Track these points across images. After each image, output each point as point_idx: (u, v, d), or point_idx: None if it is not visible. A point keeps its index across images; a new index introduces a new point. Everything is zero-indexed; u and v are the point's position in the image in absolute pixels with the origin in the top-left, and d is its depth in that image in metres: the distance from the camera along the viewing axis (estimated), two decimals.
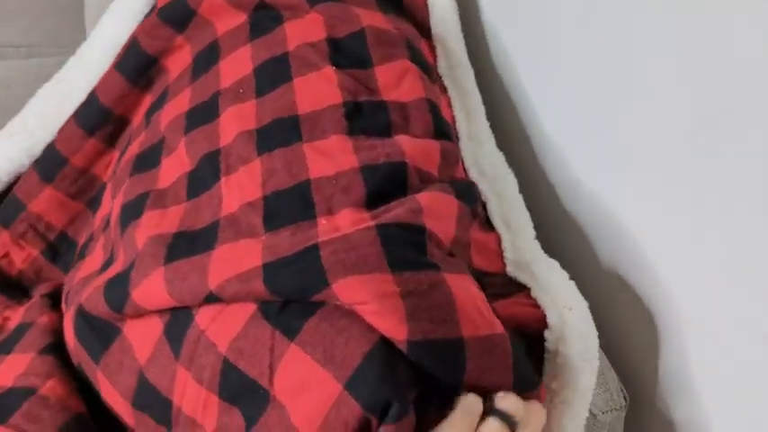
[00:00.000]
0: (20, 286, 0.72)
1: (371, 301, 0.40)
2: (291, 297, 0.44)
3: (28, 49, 1.13)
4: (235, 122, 0.54)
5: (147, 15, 0.76)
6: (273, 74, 0.56)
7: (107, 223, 0.63)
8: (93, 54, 0.84)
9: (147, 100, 0.69)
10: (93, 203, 0.73)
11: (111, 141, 0.72)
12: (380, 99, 0.54)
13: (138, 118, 0.70)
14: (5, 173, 0.81)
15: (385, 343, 0.40)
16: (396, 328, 0.39)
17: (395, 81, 0.55)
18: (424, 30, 0.65)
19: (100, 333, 0.53)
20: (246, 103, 0.55)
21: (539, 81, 0.65)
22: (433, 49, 0.65)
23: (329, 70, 0.54)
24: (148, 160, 0.60)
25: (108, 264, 0.57)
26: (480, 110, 0.64)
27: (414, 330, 0.39)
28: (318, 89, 0.53)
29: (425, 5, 0.66)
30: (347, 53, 0.56)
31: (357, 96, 0.54)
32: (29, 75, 1.09)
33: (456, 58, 0.64)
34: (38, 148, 0.82)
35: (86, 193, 0.73)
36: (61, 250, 0.73)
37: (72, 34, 1.16)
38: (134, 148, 0.64)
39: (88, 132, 0.71)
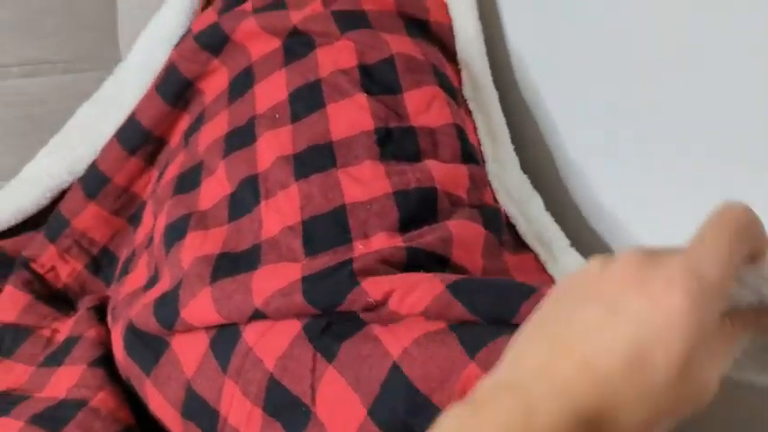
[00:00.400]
0: (66, 299, 0.75)
1: (399, 288, 0.45)
2: (327, 307, 0.48)
3: (64, 65, 1.17)
4: (272, 148, 0.57)
5: (182, 38, 0.80)
6: (307, 100, 0.59)
7: (150, 241, 0.66)
8: (130, 75, 0.87)
9: (185, 121, 0.73)
10: (134, 220, 0.77)
11: (151, 160, 0.75)
12: (410, 125, 0.57)
13: (175, 138, 0.73)
14: (48, 189, 0.85)
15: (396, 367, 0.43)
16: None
17: (424, 107, 0.58)
18: (450, 53, 0.68)
19: (150, 347, 0.56)
20: (282, 128, 0.59)
21: (563, 103, 0.67)
22: (458, 72, 0.67)
23: (361, 97, 0.57)
24: (189, 181, 0.64)
25: (153, 281, 0.60)
26: (505, 133, 0.67)
27: None
28: (351, 116, 0.56)
29: (451, 29, 0.68)
30: (378, 80, 0.59)
31: (388, 123, 0.56)
32: (65, 91, 1.13)
33: (481, 82, 0.67)
34: (79, 164, 0.86)
35: (127, 209, 0.77)
36: (103, 264, 0.77)
37: (107, 50, 1.20)
38: (174, 169, 0.67)
39: (130, 152, 0.75)
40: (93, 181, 0.76)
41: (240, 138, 0.61)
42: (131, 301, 0.61)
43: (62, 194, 0.86)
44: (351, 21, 0.63)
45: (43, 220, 0.87)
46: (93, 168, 0.76)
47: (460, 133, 0.58)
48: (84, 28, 1.22)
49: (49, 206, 0.85)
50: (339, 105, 0.57)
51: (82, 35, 1.21)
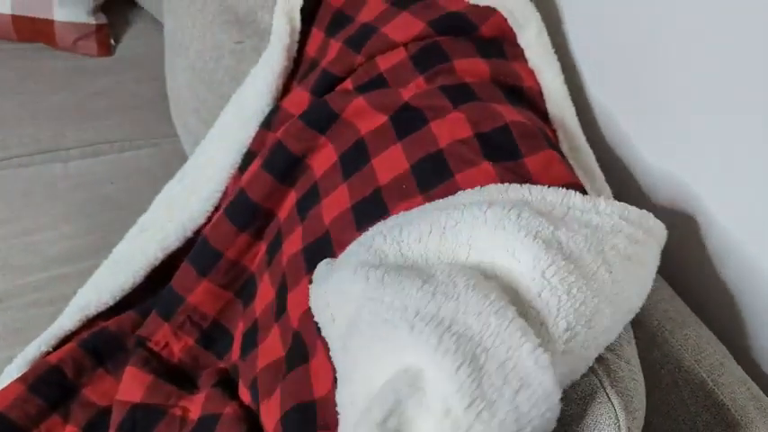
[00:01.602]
0: (183, 375, 0.77)
1: None
2: None
3: (120, 144, 1.21)
4: None
5: (274, 115, 0.84)
6: (433, 171, 0.63)
7: (279, 312, 0.69)
8: (216, 152, 0.91)
9: (292, 195, 0.76)
10: (242, 293, 0.80)
11: (259, 234, 0.79)
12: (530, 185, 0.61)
13: (284, 212, 0.77)
14: (142, 267, 0.88)
15: None
16: None
17: (544, 170, 0.62)
18: (543, 116, 0.73)
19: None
20: (414, 199, 0.63)
21: (654, 160, 0.71)
22: (554, 133, 0.73)
23: (487, 165, 0.62)
24: (320, 253, 0.67)
25: (300, 353, 0.62)
26: (607, 190, 0.71)
27: None
28: (480, 183, 0.61)
29: (541, 94, 0.74)
30: (497, 147, 0.63)
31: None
32: (127, 169, 1.17)
33: (576, 141, 0.72)
34: (169, 240, 0.89)
35: (236, 282, 0.80)
36: (215, 337, 0.79)
37: (159, 126, 1.25)
38: (295, 242, 0.71)
39: (240, 228, 0.78)
40: (204, 257, 0.78)
41: (370, 209, 0.64)
42: (278, 375, 0.63)
43: (152, 271, 0.89)
44: (458, 94, 0.68)
45: (134, 297, 0.89)
46: (204, 245, 0.79)
47: (583, 191, 0.63)
48: (135, 106, 1.27)
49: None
50: (467, 174, 0.61)
51: (134, 114, 1.26)
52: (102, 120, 1.23)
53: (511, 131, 0.64)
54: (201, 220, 0.89)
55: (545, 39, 0.74)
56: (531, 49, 0.74)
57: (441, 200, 0.59)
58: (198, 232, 0.90)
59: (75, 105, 1.24)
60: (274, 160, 0.76)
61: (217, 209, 0.89)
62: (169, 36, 1.19)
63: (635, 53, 0.70)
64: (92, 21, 1.36)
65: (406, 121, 0.68)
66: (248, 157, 0.86)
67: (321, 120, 0.74)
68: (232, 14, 1.01)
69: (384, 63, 0.75)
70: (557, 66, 0.73)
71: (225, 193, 0.89)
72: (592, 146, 0.72)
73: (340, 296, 0.53)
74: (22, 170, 1.13)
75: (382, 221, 0.60)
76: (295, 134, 0.75)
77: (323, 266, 0.61)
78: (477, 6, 0.75)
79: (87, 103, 1.25)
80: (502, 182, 0.60)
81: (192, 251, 0.80)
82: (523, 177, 0.61)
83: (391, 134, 0.69)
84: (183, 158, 1.19)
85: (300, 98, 0.81)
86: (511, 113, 0.66)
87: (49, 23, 1.33)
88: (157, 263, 0.89)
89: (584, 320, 0.47)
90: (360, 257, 0.54)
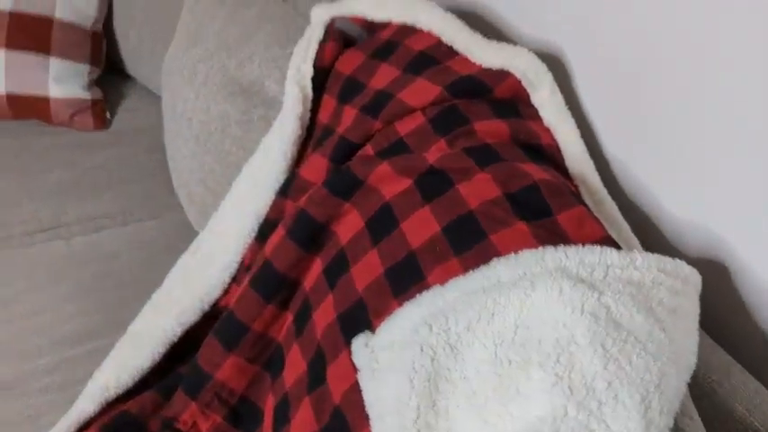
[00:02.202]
0: None
1: None
2: None
3: (122, 217, 1.20)
4: (445, 280, 0.61)
5: (287, 182, 0.84)
6: (466, 232, 0.64)
7: (312, 385, 0.67)
8: (231, 222, 0.91)
9: (318, 263, 0.76)
10: (270, 365, 0.78)
11: (285, 304, 0.77)
12: (572, 244, 0.61)
13: (310, 280, 0.76)
14: (161, 343, 0.86)
15: None
16: None
17: (577, 226, 0.63)
18: (563, 172, 0.74)
19: None
20: (450, 261, 0.63)
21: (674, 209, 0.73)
22: (576, 188, 0.74)
23: (521, 225, 0.62)
24: (356, 323, 0.66)
25: (340, 430, 0.61)
26: (635, 241, 0.72)
27: None
28: (517, 242, 0.61)
29: (559, 150, 0.75)
30: (527, 206, 0.64)
31: (553, 245, 0.61)
32: (131, 241, 1.15)
33: (599, 195, 0.73)
34: (187, 314, 0.88)
35: (263, 355, 0.78)
36: (242, 414, 0.77)
37: (160, 197, 1.24)
38: (327, 312, 0.70)
39: (266, 299, 0.77)
40: (231, 331, 0.77)
41: (406, 273, 0.64)
42: None
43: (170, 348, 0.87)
44: (482, 155, 0.69)
45: (150, 375, 0.87)
46: (230, 318, 0.77)
47: (618, 246, 0.63)
48: (134, 180, 1.27)
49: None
50: (502, 234, 0.62)
51: (134, 186, 1.25)
52: (102, 194, 1.22)
53: (539, 190, 0.65)
54: (218, 293, 0.88)
55: (558, 97, 0.76)
56: (546, 107, 0.76)
57: (478, 274, 0.58)
58: (214, 305, 0.89)
59: (73, 181, 1.23)
60: (299, 229, 0.76)
61: (233, 280, 0.88)
62: (169, 109, 1.20)
63: (650, 103, 0.72)
64: (87, 96, 1.36)
65: (432, 183, 0.69)
66: (265, 226, 0.86)
67: (345, 186, 0.74)
68: (237, 86, 1.03)
69: (403, 128, 0.76)
70: (572, 122, 0.75)
71: (241, 264, 0.88)
72: (612, 198, 0.73)
73: (396, 403, 0.53)
74: (23, 250, 1.10)
75: (419, 300, 0.59)
76: (319, 201, 0.75)
77: (362, 348, 0.60)
78: (490, 69, 0.77)
79: (86, 177, 1.24)
80: (537, 241, 0.61)
81: (218, 325, 0.78)
82: (558, 235, 0.62)
83: (418, 197, 0.69)
84: (186, 228, 1.18)
85: (318, 165, 0.82)
86: (536, 172, 0.67)
87: (45, 100, 1.33)
88: (176, 339, 0.87)
89: (653, 386, 0.47)
90: (410, 355, 0.54)
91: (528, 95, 0.77)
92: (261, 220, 0.86)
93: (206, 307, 0.88)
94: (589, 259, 0.56)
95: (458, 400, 0.52)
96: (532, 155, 0.72)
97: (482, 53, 0.78)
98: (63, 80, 1.34)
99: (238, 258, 0.88)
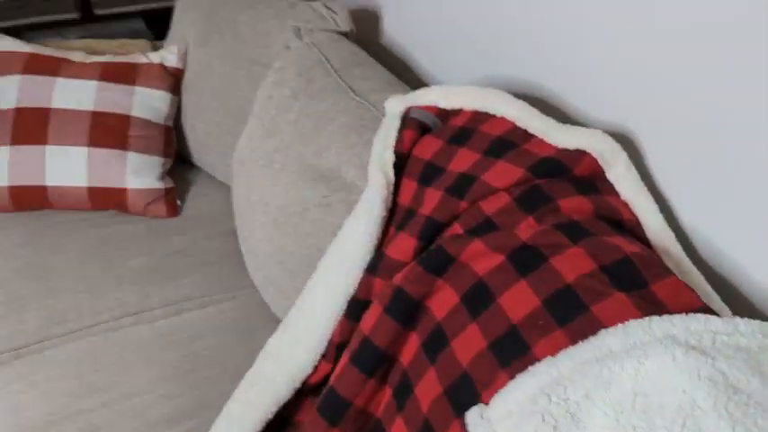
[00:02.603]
0: None
1: None
2: None
3: (202, 300, 1.25)
4: (552, 352, 0.65)
5: (375, 261, 0.89)
6: (566, 305, 0.68)
7: None
8: (318, 301, 0.96)
9: (414, 338, 0.80)
10: None
11: (384, 379, 0.81)
12: (670, 314, 0.65)
13: (407, 355, 0.80)
14: (256, 422, 0.90)
15: None
16: None
17: (673, 295, 0.67)
18: (646, 244, 0.79)
19: None
20: (555, 333, 0.66)
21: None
22: (660, 260, 0.78)
23: (620, 295, 0.66)
24: (464, 396, 0.69)
25: None
26: (726, 310, 0.75)
27: None
28: (619, 312, 0.65)
29: (639, 223, 0.80)
30: (623, 278, 0.68)
31: (653, 315, 0.65)
32: (212, 323, 1.20)
33: (684, 266, 0.77)
34: (281, 393, 0.91)
35: (363, 430, 0.81)
36: None
37: (235, 279, 1.30)
38: (432, 385, 0.73)
39: (367, 374, 0.80)
40: (334, 407, 0.80)
41: (510, 347, 0.68)
42: None
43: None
44: (572, 231, 0.74)
45: None
46: (332, 395, 0.81)
47: (715, 314, 0.67)
48: (209, 263, 1.33)
49: None
50: (602, 305, 0.66)
51: (209, 269, 1.31)
52: (181, 278, 1.28)
53: (632, 262, 0.69)
54: (310, 370, 0.92)
55: (634, 173, 0.81)
56: (622, 183, 0.81)
57: (588, 345, 0.62)
58: (305, 383, 0.93)
59: (153, 267, 1.29)
60: (396, 305, 0.80)
61: (323, 357, 0.92)
62: (242, 195, 1.27)
63: (729, 174, 0.76)
64: (161, 185, 1.45)
65: (526, 259, 0.74)
66: (354, 304, 0.90)
67: (438, 264, 0.79)
68: (316, 172, 1.10)
69: (488, 207, 0.82)
70: (649, 196, 0.80)
71: (330, 341, 0.92)
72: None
73: None
74: (111, 334, 1.16)
75: (532, 371, 0.63)
76: (414, 279, 0.80)
77: (478, 420, 0.63)
78: (567, 150, 0.83)
79: (164, 263, 1.31)
80: (639, 311, 0.64)
81: (321, 402, 0.82)
82: (657, 305, 0.65)
83: (512, 273, 0.73)
84: (262, 308, 1.24)
85: (405, 245, 0.87)
86: (625, 244, 0.71)
87: (123, 191, 1.41)
88: (272, 416, 0.90)
89: None
90: (532, 425, 0.57)
91: (604, 173, 0.83)
92: (349, 298, 0.91)
93: (298, 384, 0.92)
94: (695, 327, 0.59)
95: None
96: (616, 229, 0.77)
97: (557, 135, 0.85)
98: (140, 172, 1.43)
99: (327, 336, 0.92)
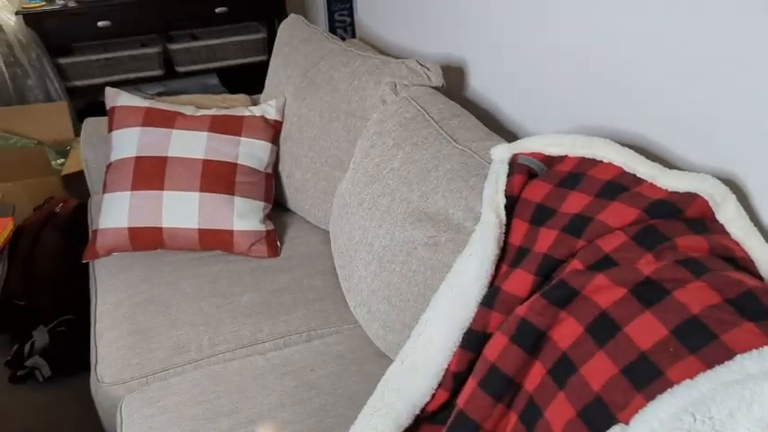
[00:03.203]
0: None
1: None
2: None
3: (308, 334, 1.33)
4: (688, 376, 0.70)
5: (491, 295, 0.97)
6: (695, 333, 0.73)
7: None
8: (435, 332, 1.03)
9: (538, 366, 0.86)
10: None
11: (510, 404, 0.87)
12: None
13: (531, 382, 0.86)
14: None
15: None
16: None
17: None
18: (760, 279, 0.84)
19: None
20: (687, 359, 0.72)
21: None
22: None
23: (749, 325, 0.72)
24: (599, 417, 0.75)
25: None
26: None
27: None
28: (748, 339, 0.70)
29: (752, 261, 0.86)
30: (749, 309, 0.74)
31: None
32: (320, 355, 1.28)
33: None
34: (402, 418, 0.98)
35: None
36: None
37: (337, 314, 1.38)
38: (563, 409, 0.79)
39: (496, 399, 0.87)
40: (464, 430, 0.87)
41: (642, 372, 0.74)
42: None
43: None
44: (693, 266, 0.80)
45: None
46: (462, 418, 0.87)
47: None
48: (313, 300, 1.42)
49: None
50: (732, 334, 0.71)
51: (313, 305, 1.40)
52: (287, 313, 1.37)
53: (756, 295, 0.75)
54: (428, 398, 0.99)
55: (743, 213, 0.88)
56: (733, 224, 0.88)
57: (725, 368, 0.68)
58: (423, 409, 0.99)
59: (262, 302, 1.39)
60: (522, 335, 0.87)
61: (440, 385, 0.99)
62: (343, 237, 1.36)
63: None
64: (263, 228, 1.56)
65: (649, 292, 0.80)
66: (470, 335, 0.97)
67: (561, 297, 0.86)
68: (422, 214, 1.19)
69: (606, 245, 0.89)
70: (759, 235, 0.86)
71: (447, 370, 0.99)
72: None
73: None
74: (229, 364, 1.25)
75: (672, 393, 0.69)
76: (539, 311, 0.87)
77: None
78: (677, 193, 0.90)
79: (272, 299, 1.40)
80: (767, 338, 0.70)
81: (451, 426, 0.88)
82: None
83: (636, 305, 0.80)
84: (364, 341, 1.31)
85: (523, 280, 0.94)
86: (746, 279, 0.77)
87: (229, 233, 1.53)
88: None
89: None
90: None
91: (713, 215, 0.89)
92: (465, 330, 0.98)
93: (417, 411, 0.99)
94: None
95: None
96: (734, 266, 0.83)
97: (666, 180, 0.92)
98: (244, 216, 1.54)
99: (445, 365, 0.99)
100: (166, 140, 1.57)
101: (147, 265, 1.49)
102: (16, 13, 2.59)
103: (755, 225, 0.88)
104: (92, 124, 1.83)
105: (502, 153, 1.11)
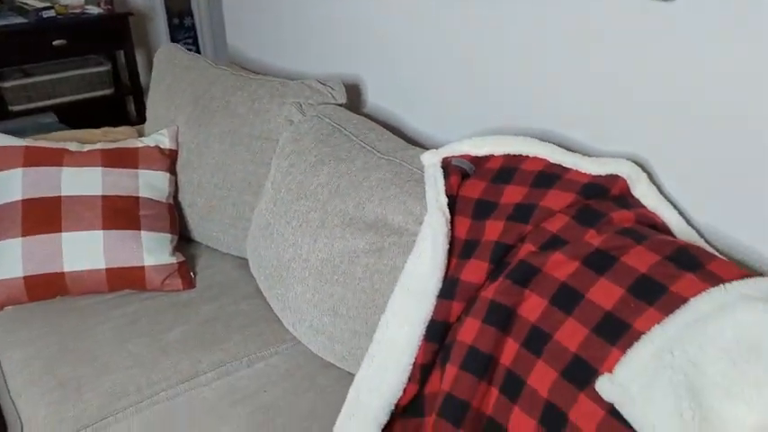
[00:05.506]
0: None
1: None
2: None
3: (248, 358, 1.31)
4: (654, 323, 0.82)
5: (449, 287, 1.04)
6: (648, 289, 0.83)
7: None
8: (397, 331, 1.08)
9: (511, 342, 0.94)
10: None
11: (491, 380, 0.94)
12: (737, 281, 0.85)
13: (507, 356, 0.93)
14: None
15: None
16: None
17: (727, 271, 0.85)
18: None
19: None
20: (648, 310, 0.83)
21: None
22: None
23: (689, 275, 0.82)
24: (582, 372, 0.84)
25: None
26: None
27: None
28: (692, 288, 0.82)
29: (667, 226, 1.01)
30: (684, 262, 0.84)
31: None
32: (266, 377, 1.26)
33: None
34: (381, 417, 1.03)
35: (477, 429, 0.93)
36: None
37: (274, 335, 1.37)
38: (545, 373, 0.86)
39: (478, 378, 0.93)
40: (456, 410, 0.92)
41: (612, 328, 0.84)
42: None
43: None
44: (631, 234, 0.93)
45: None
46: (451, 400, 0.93)
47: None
48: (245, 325, 1.39)
49: None
50: (678, 284, 0.84)
51: (248, 330, 1.38)
52: (224, 342, 1.33)
53: (686, 249, 0.90)
54: (400, 393, 1.04)
55: (654, 188, 1.04)
56: (646, 197, 1.04)
57: (684, 311, 0.81)
58: (396, 405, 1.04)
59: (193, 335, 1.34)
60: (492, 315, 0.95)
61: (409, 379, 1.04)
62: (269, 258, 1.36)
63: (726, 176, 1.01)
64: (174, 260, 1.50)
65: (600, 261, 0.92)
66: (433, 327, 1.04)
67: (523, 276, 0.96)
68: (361, 223, 1.23)
69: (552, 226, 1.00)
70: (669, 205, 1.03)
71: (415, 364, 1.04)
72: None
73: (672, 411, 0.73)
74: (174, 401, 1.19)
75: (644, 340, 0.80)
76: (504, 291, 0.96)
77: (609, 386, 0.80)
78: (601, 176, 1.05)
79: (203, 330, 1.35)
80: (707, 284, 0.84)
81: (441, 409, 0.94)
82: (719, 278, 0.86)
83: (591, 273, 0.92)
84: (308, 356, 1.32)
85: (478, 268, 1.03)
86: (675, 240, 0.92)
87: (140, 269, 1.45)
88: None
89: None
90: (666, 376, 0.75)
91: (629, 191, 1.05)
92: (427, 323, 1.05)
93: (392, 407, 1.03)
94: (763, 286, 0.80)
95: (714, 394, 0.72)
96: (657, 231, 0.98)
97: (589, 165, 1.06)
98: (153, 250, 1.47)
99: (412, 360, 1.04)
100: (56, 179, 1.45)
101: (48, 315, 1.37)
102: None
103: (662, 195, 1.05)
104: None
105: (432, 158, 1.20)
